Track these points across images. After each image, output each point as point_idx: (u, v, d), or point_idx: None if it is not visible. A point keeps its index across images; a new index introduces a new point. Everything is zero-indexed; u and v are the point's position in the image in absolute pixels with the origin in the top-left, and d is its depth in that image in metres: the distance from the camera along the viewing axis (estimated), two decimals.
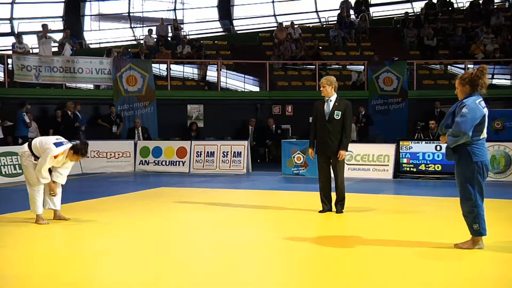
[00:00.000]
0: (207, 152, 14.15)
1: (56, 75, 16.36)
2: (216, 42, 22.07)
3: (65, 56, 16.85)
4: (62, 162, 7.11)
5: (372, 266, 5.09)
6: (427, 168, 12.21)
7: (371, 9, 25.39)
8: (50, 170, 7.18)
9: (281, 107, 18.25)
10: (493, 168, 11.61)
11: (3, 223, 7.20)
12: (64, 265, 5.22)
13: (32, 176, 7.05)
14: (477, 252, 5.38)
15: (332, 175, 7.78)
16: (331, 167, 7.79)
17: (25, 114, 14.41)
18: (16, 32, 22.11)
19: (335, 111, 7.63)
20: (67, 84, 17.04)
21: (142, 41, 20.63)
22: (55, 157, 6.93)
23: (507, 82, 19.41)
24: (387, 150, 12.69)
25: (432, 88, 18.23)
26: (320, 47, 20.40)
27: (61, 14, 23.91)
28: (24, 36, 17.64)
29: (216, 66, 18.64)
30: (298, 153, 13.08)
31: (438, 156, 12.01)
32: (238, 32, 25.27)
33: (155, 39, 20.42)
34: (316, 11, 26.36)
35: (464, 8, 24.43)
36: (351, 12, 23.33)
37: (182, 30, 22.42)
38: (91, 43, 23.84)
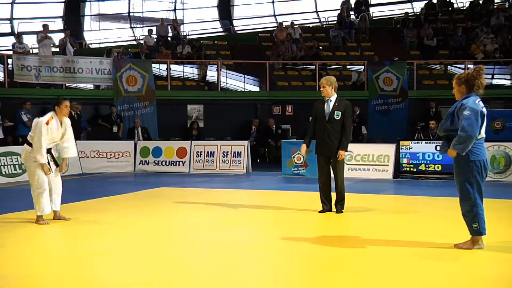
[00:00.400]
0: (207, 152, 14.15)
1: (56, 75, 16.37)
2: (216, 42, 22.06)
3: (65, 56, 16.86)
4: (58, 128, 7.06)
5: (372, 266, 5.09)
6: (427, 168, 12.21)
7: (371, 9, 25.39)
8: (53, 157, 7.16)
9: (281, 107, 18.25)
10: (493, 168, 11.62)
11: (3, 223, 7.20)
12: (64, 265, 5.22)
13: (33, 175, 7.04)
14: (477, 252, 5.38)
15: (332, 175, 7.79)
16: (331, 167, 7.80)
17: (23, 113, 14.42)
18: (16, 32, 22.12)
19: (335, 111, 7.63)
20: (67, 84, 17.05)
21: (142, 41, 20.63)
22: (47, 123, 6.94)
23: (507, 82, 19.41)
24: (387, 150, 12.69)
25: (432, 88, 18.24)
26: (320, 47, 20.40)
27: (61, 14, 23.92)
28: (24, 36, 17.63)
29: (216, 66, 18.64)
30: (298, 153, 13.07)
31: (438, 156, 12.00)
32: (238, 32, 25.27)
33: (155, 39, 20.42)
34: (316, 11, 26.37)
35: (464, 8, 24.44)
36: (351, 12, 23.32)
37: (182, 31, 22.40)
38: (91, 43, 23.85)
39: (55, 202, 7.27)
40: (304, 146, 7.87)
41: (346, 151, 7.73)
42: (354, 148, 12.49)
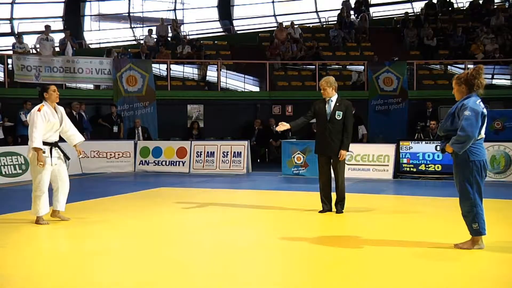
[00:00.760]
0: (207, 152, 14.15)
1: (56, 75, 16.38)
2: (216, 42, 22.07)
3: (65, 56, 16.86)
4: (53, 114, 7.02)
5: (372, 266, 5.09)
6: (427, 168, 12.21)
7: (371, 9, 25.39)
8: (62, 151, 7.14)
9: (281, 107, 18.25)
10: (493, 168, 11.62)
11: (3, 223, 7.20)
12: (64, 265, 5.22)
13: (35, 176, 7.02)
14: (477, 252, 5.38)
15: (333, 175, 7.79)
16: (331, 167, 7.80)
17: (22, 114, 14.42)
18: (16, 32, 22.12)
19: (336, 111, 7.63)
20: (67, 84, 17.05)
21: (142, 41, 20.63)
22: (39, 110, 6.91)
23: (507, 82, 19.41)
24: (387, 150, 12.69)
25: (432, 88, 18.24)
26: (320, 47, 20.40)
27: (61, 14, 23.92)
28: (24, 36, 17.64)
29: (216, 66, 18.64)
30: (298, 153, 13.09)
31: (438, 156, 12.00)
32: (238, 32, 25.27)
33: (155, 39, 20.42)
34: (316, 11, 26.37)
35: (464, 8, 24.44)
36: (351, 12, 23.32)
37: (182, 31, 22.41)
38: (91, 43, 23.86)
39: (60, 201, 7.23)
40: (286, 124, 7.64)
41: (348, 151, 7.75)
42: (354, 148, 12.48)
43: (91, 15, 25.06)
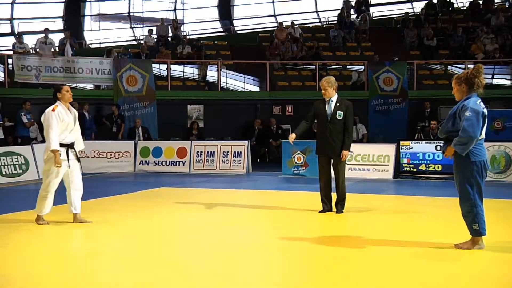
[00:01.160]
0: (207, 152, 14.15)
1: (57, 75, 16.37)
2: (216, 42, 22.06)
3: (65, 56, 16.86)
4: (67, 113, 6.97)
5: (372, 266, 5.09)
6: (427, 168, 12.21)
7: (371, 9, 25.39)
8: (75, 152, 7.11)
9: (281, 107, 18.25)
10: (493, 168, 11.62)
11: (3, 223, 7.20)
12: (64, 265, 5.22)
13: (46, 176, 6.98)
14: (477, 252, 5.38)
15: (333, 175, 7.79)
16: (331, 167, 7.80)
17: (22, 114, 14.42)
18: (16, 32, 22.12)
19: (337, 112, 7.63)
20: (67, 84, 17.00)
21: (142, 41, 20.63)
22: (53, 110, 6.86)
23: (507, 82, 19.41)
24: (387, 150, 12.69)
25: (432, 88, 18.24)
26: (320, 47, 20.40)
27: (61, 14, 23.91)
28: (24, 36, 17.63)
29: (216, 66, 18.64)
30: (298, 153, 13.09)
31: (438, 156, 12.01)
32: (238, 32, 25.26)
33: (155, 39, 20.42)
34: (316, 11, 26.36)
35: (464, 8, 24.43)
36: (352, 12, 23.32)
37: (182, 31, 22.41)
38: (91, 43, 23.85)
39: (73, 203, 7.11)
40: (293, 135, 7.75)
41: (349, 151, 7.75)
42: (354, 148, 12.46)
43: (91, 15, 25.05)
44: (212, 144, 14.49)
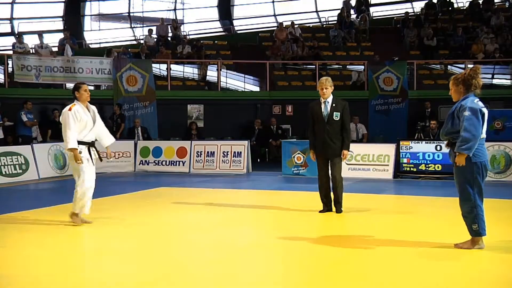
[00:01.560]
0: (207, 152, 14.15)
1: (57, 75, 16.38)
2: (216, 42, 22.06)
3: (65, 56, 16.86)
4: (86, 113, 6.96)
5: (372, 266, 5.10)
6: (427, 168, 12.21)
7: (371, 9, 25.38)
8: (97, 152, 7.10)
9: (281, 107, 18.25)
10: (493, 168, 11.61)
11: (3, 223, 7.20)
12: (64, 265, 5.22)
13: (76, 173, 6.97)
14: (477, 252, 5.39)
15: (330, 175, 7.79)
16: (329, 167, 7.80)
17: (22, 114, 14.41)
18: (16, 32, 22.11)
19: (334, 112, 7.63)
20: (67, 84, 17.04)
21: (142, 41, 20.63)
22: (70, 109, 6.86)
23: (507, 82, 19.40)
24: (387, 150, 12.69)
25: (432, 88, 18.23)
26: (320, 47, 20.38)
27: (61, 14, 23.90)
28: (24, 36, 17.63)
29: (216, 66, 18.64)
30: (298, 153, 13.08)
31: (438, 156, 12.01)
32: (238, 32, 25.26)
33: (155, 39, 20.42)
34: (316, 11, 26.35)
35: (464, 8, 24.42)
36: (352, 12, 23.32)
37: (182, 31, 22.41)
38: (91, 43, 23.84)
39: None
40: (312, 153, 7.84)
41: (349, 150, 7.76)
42: (354, 148, 12.48)
43: (91, 15, 25.04)
44: (212, 144, 14.48)
